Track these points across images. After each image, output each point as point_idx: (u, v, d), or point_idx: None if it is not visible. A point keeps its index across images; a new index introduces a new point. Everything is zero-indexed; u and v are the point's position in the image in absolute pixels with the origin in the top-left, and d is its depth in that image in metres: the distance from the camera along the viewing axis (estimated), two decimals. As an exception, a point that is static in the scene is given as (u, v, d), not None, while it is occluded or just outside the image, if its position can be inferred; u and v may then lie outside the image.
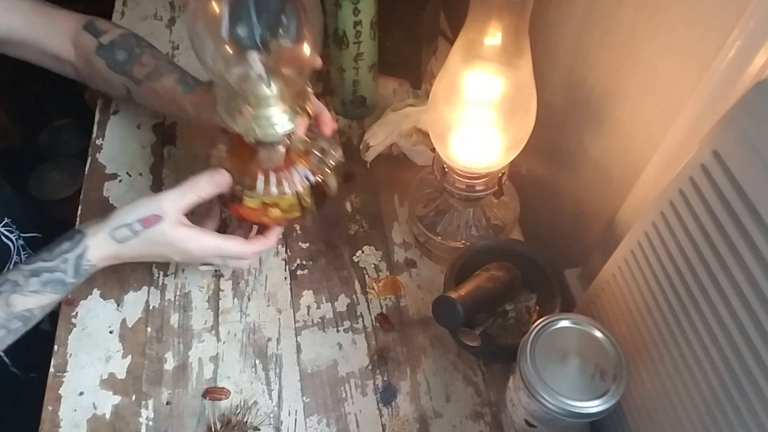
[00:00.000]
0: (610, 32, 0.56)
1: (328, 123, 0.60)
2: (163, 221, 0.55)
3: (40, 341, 0.72)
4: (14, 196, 0.83)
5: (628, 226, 0.53)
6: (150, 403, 0.61)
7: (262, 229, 0.62)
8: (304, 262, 0.71)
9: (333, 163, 0.60)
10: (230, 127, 0.53)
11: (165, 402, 0.61)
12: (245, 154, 0.56)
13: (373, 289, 0.69)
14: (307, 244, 0.73)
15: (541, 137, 0.59)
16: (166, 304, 0.67)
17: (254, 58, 0.50)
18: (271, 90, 0.51)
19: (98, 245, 0.56)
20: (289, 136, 0.54)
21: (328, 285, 0.69)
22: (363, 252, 0.72)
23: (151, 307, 0.67)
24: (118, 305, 0.67)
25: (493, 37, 0.51)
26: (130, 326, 0.66)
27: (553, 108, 0.68)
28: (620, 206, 0.57)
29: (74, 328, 0.65)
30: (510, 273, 0.62)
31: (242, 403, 0.61)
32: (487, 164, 0.60)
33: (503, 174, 0.63)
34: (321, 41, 0.53)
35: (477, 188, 0.62)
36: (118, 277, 0.69)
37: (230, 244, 0.58)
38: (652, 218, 0.44)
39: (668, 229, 0.43)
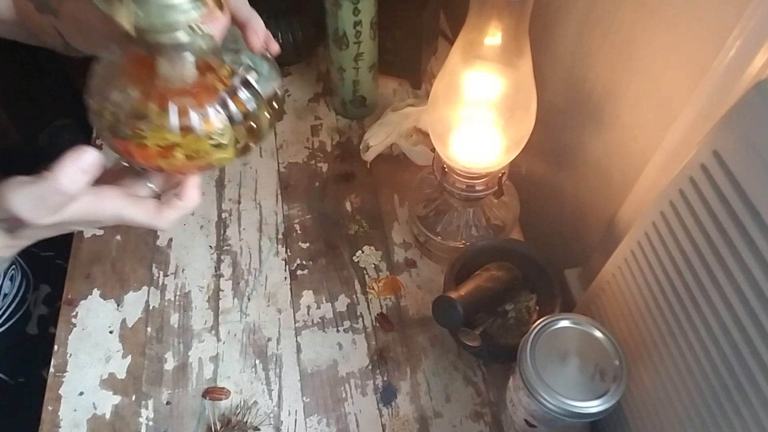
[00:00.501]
0: (610, 32, 0.56)
1: (261, 33, 0.44)
2: (27, 221, 0.40)
3: (27, 346, 0.72)
4: None
5: (628, 226, 0.53)
6: (150, 403, 0.61)
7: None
8: (304, 262, 0.71)
9: (268, 94, 0.43)
10: (109, 16, 0.37)
11: (165, 402, 0.61)
12: (139, 71, 0.40)
13: (373, 289, 0.69)
14: (307, 244, 0.73)
15: (541, 137, 0.59)
16: (166, 304, 0.67)
17: None
18: None
19: None
20: (197, 41, 0.38)
21: (328, 285, 0.69)
22: (363, 252, 0.72)
23: (151, 307, 0.67)
24: (118, 305, 0.67)
25: (493, 37, 0.51)
26: (130, 326, 0.66)
27: (553, 108, 0.68)
28: (620, 206, 0.57)
29: (74, 328, 0.65)
30: (510, 273, 0.62)
31: (242, 403, 0.61)
32: (487, 164, 0.60)
33: (503, 174, 0.63)
34: None
35: (477, 188, 0.62)
36: (118, 277, 0.69)
37: (135, 213, 0.43)
38: (652, 218, 0.44)
39: (668, 229, 0.43)
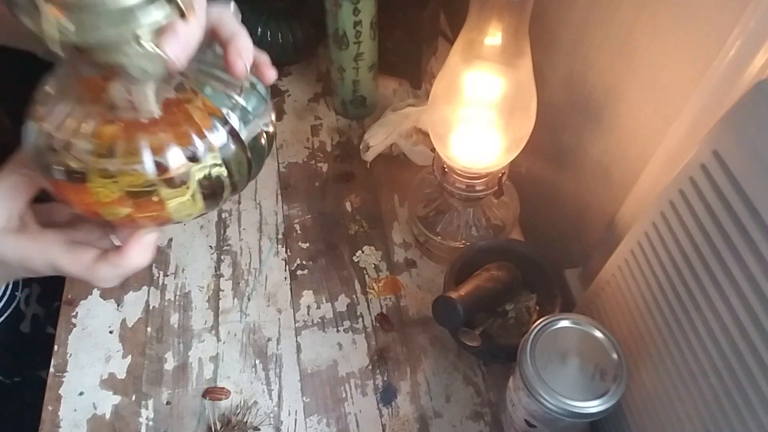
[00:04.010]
0: (610, 32, 0.56)
1: (247, 54, 0.35)
2: None
3: (21, 345, 0.71)
4: None
5: (628, 226, 0.53)
6: (150, 403, 0.61)
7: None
8: (304, 262, 0.71)
9: (251, 135, 0.36)
10: (32, 28, 0.28)
11: (165, 402, 0.61)
12: (94, 95, 0.32)
13: (373, 289, 0.69)
14: (307, 244, 0.73)
15: (541, 137, 0.59)
16: (166, 304, 0.67)
17: None
18: None
19: None
20: (149, 64, 0.30)
21: (328, 285, 0.69)
22: (363, 252, 0.72)
23: (151, 307, 0.67)
24: (118, 305, 0.67)
25: (493, 37, 0.51)
26: (130, 326, 0.66)
27: (553, 108, 0.68)
28: (620, 206, 0.57)
29: (74, 328, 0.65)
30: (510, 273, 0.62)
31: (242, 403, 0.61)
32: (487, 164, 0.60)
33: (503, 174, 0.63)
34: None
35: (477, 188, 0.62)
36: (118, 277, 0.69)
37: (68, 262, 0.38)
38: (652, 218, 0.44)
39: (668, 229, 0.43)
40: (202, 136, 0.33)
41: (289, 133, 0.84)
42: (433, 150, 0.64)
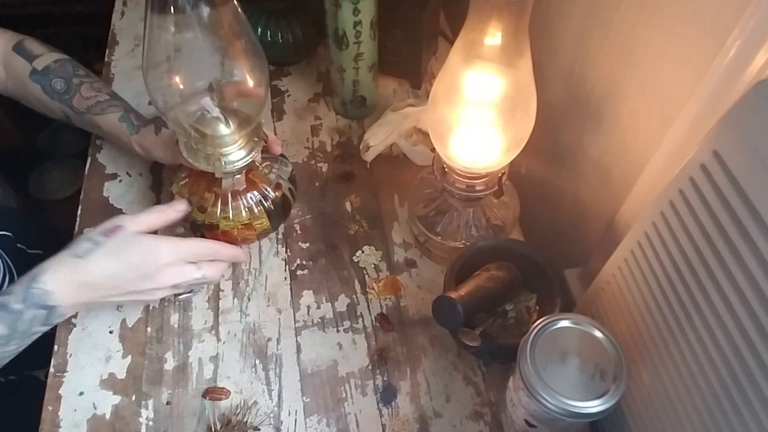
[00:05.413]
0: (610, 32, 0.56)
1: (278, 143, 0.65)
2: (124, 229, 0.55)
3: None
4: (15, 211, 0.82)
5: (628, 226, 0.53)
6: (150, 403, 0.61)
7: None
8: (304, 262, 0.71)
9: (286, 177, 0.65)
10: (194, 166, 0.57)
11: (165, 402, 0.61)
12: (206, 182, 0.61)
13: (373, 289, 0.69)
14: (307, 244, 0.73)
15: (541, 137, 0.59)
16: (166, 304, 0.67)
17: (208, 102, 0.54)
18: (229, 128, 0.56)
19: (56, 265, 0.53)
20: (250, 166, 0.59)
21: (328, 285, 0.69)
22: (363, 252, 0.72)
23: (151, 307, 0.67)
24: (118, 305, 0.67)
25: (493, 37, 0.51)
26: (130, 326, 0.66)
27: (553, 108, 0.68)
28: (620, 206, 0.57)
29: (74, 328, 0.65)
30: (510, 273, 0.62)
31: (242, 403, 0.61)
32: (487, 164, 0.60)
33: (503, 174, 0.63)
34: (268, 79, 0.58)
35: (477, 188, 0.62)
36: (118, 277, 0.69)
37: (201, 242, 0.60)
38: (652, 218, 0.44)
39: (668, 229, 0.43)
40: (261, 192, 0.62)
41: (289, 133, 0.84)
42: (433, 150, 0.64)
